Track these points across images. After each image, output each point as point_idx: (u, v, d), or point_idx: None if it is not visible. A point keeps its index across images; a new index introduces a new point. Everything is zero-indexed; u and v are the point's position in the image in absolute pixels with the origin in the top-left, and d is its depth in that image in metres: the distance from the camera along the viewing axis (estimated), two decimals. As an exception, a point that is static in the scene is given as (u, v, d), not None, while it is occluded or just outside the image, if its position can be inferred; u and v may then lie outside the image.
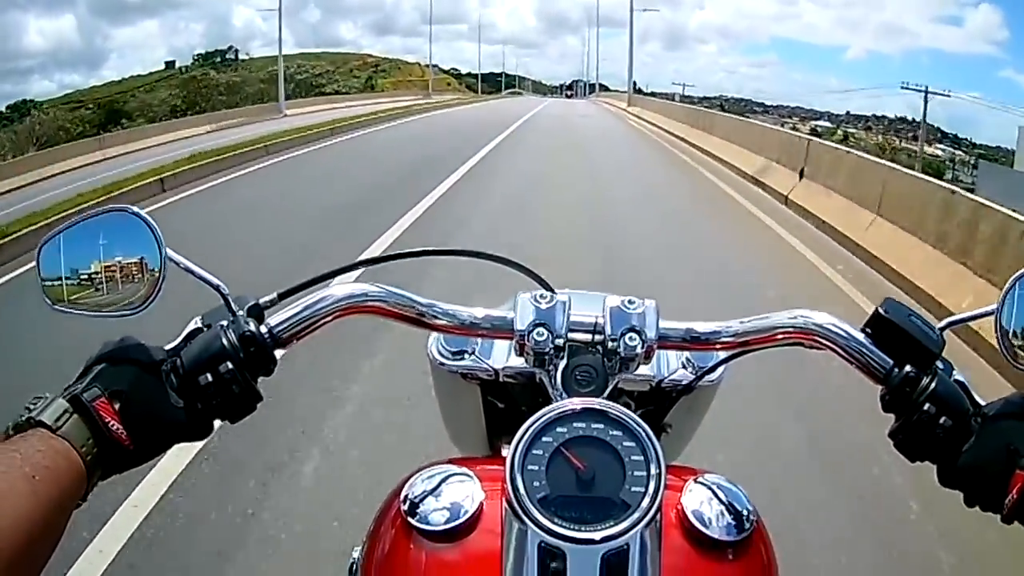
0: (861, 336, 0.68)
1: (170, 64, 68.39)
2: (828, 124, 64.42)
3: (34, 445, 0.53)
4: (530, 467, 0.60)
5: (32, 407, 0.57)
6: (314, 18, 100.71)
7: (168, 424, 0.61)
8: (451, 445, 1.05)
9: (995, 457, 0.60)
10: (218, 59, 71.60)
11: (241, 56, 75.52)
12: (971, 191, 8.00)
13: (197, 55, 70.29)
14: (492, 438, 0.93)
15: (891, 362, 0.66)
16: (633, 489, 0.59)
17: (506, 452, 0.91)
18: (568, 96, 79.19)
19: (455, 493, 0.65)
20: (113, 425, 0.58)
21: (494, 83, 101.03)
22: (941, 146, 49.89)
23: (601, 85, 76.57)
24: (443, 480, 0.66)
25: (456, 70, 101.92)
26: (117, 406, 0.58)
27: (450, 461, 0.71)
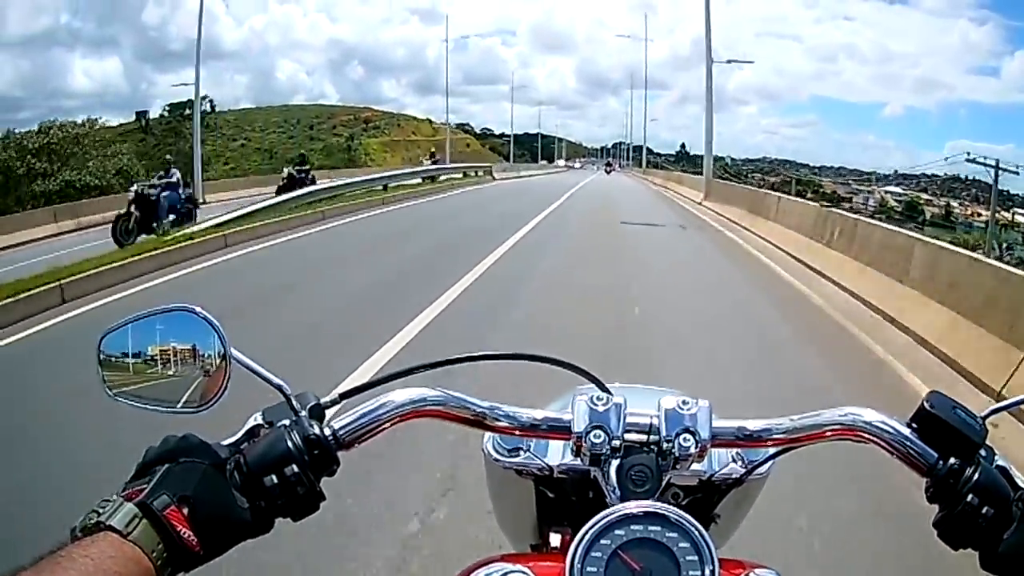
0: (907, 431, 0.72)
1: (141, 114, 65.67)
2: (897, 189, 64.17)
3: (105, 551, 0.56)
4: (589, 569, 0.65)
5: (100, 510, 0.60)
6: (356, 75, 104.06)
7: (234, 524, 0.64)
8: (498, 531, 1.11)
9: None
10: (187, 111, 68.56)
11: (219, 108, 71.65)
12: None
13: (168, 106, 66.30)
14: (542, 527, 0.97)
15: (935, 455, 0.71)
16: None
17: (554, 540, 0.93)
18: (608, 170, 72.94)
19: None
20: (184, 533, 0.60)
21: (529, 146, 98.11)
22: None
23: (648, 150, 73.68)
24: None
25: (488, 130, 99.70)
26: (186, 511, 0.61)
27: (504, 557, 0.74)
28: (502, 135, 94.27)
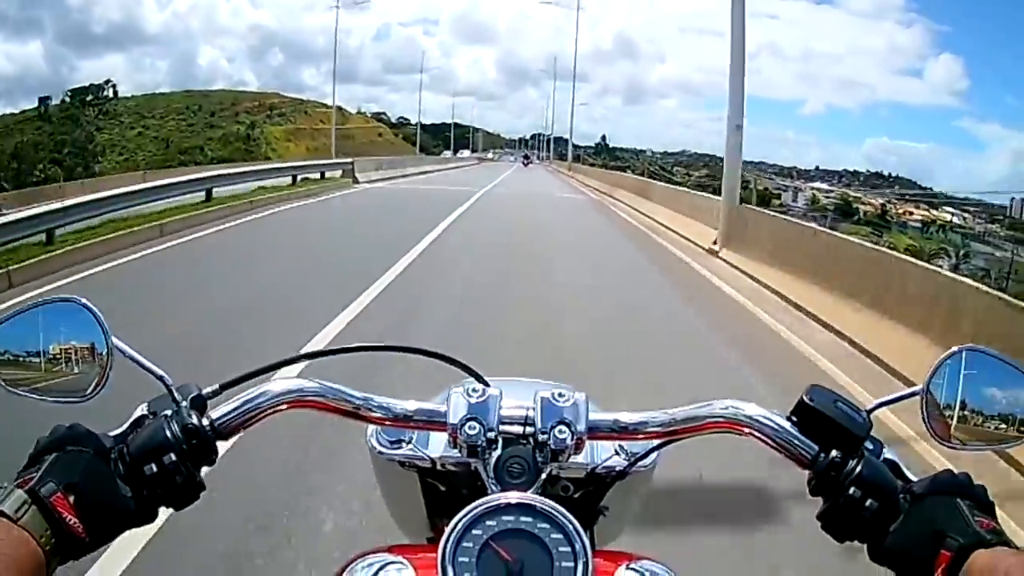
0: (787, 425, 0.74)
1: (44, 100, 61.56)
2: (823, 185, 65.79)
3: None
4: (461, 559, 0.66)
5: None
6: (277, 61, 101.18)
7: (119, 512, 0.67)
8: (393, 527, 1.11)
9: (921, 538, 0.65)
10: (89, 97, 64.10)
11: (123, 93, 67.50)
12: None
13: (69, 91, 63.25)
14: (434, 519, 0.98)
15: (816, 448, 0.72)
16: None
17: None
18: (525, 162, 70.53)
19: None
20: (70, 519, 0.63)
21: (444, 135, 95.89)
22: (950, 210, 50.44)
23: (576, 146, 69.25)
24: (380, 568, 0.70)
25: (405, 119, 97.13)
26: (72, 499, 0.64)
27: (389, 549, 0.75)
28: (419, 124, 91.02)
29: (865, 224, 47.70)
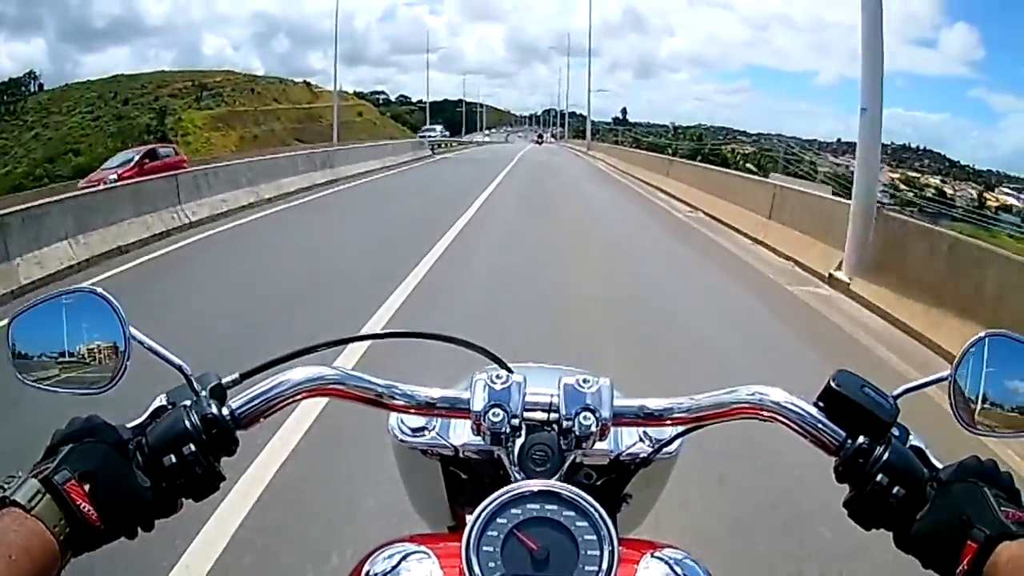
0: (814, 411, 0.74)
1: None
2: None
3: (9, 526, 0.60)
4: (485, 548, 0.66)
5: (6, 486, 0.63)
6: (282, 47, 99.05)
7: (136, 503, 0.67)
8: (415, 516, 1.11)
9: (948, 527, 0.65)
10: (4, 90, 56.45)
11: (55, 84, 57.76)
12: None
13: None
14: (455, 508, 0.99)
15: (843, 434, 0.72)
16: (587, 568, 0.65)
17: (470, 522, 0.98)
18: (539, 141, 65.10)
19: (415, 572, 0.70)
20: (84, 507, 0.63)
21: (450, 114, 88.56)
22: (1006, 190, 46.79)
23: (583, 117, 60.40)
24: (403, 558, 0.71)
25: (405, 98, 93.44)
26: (87, 487, 0.64)
27: (411, 538, 0.76)
28: (419, 103, 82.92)
29: (963, 220, 41.03)
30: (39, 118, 62.00)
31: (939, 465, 0.71)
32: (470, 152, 47.61)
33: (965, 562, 0.63)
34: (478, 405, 0.76)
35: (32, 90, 61.15)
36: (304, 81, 76.36)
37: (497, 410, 0.76)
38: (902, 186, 54.97)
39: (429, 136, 49.34)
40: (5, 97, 59.43)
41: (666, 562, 0.71)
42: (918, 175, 57.96)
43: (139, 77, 67.63)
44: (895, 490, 0.68)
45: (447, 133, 63.02)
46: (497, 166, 28.03)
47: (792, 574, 2.70)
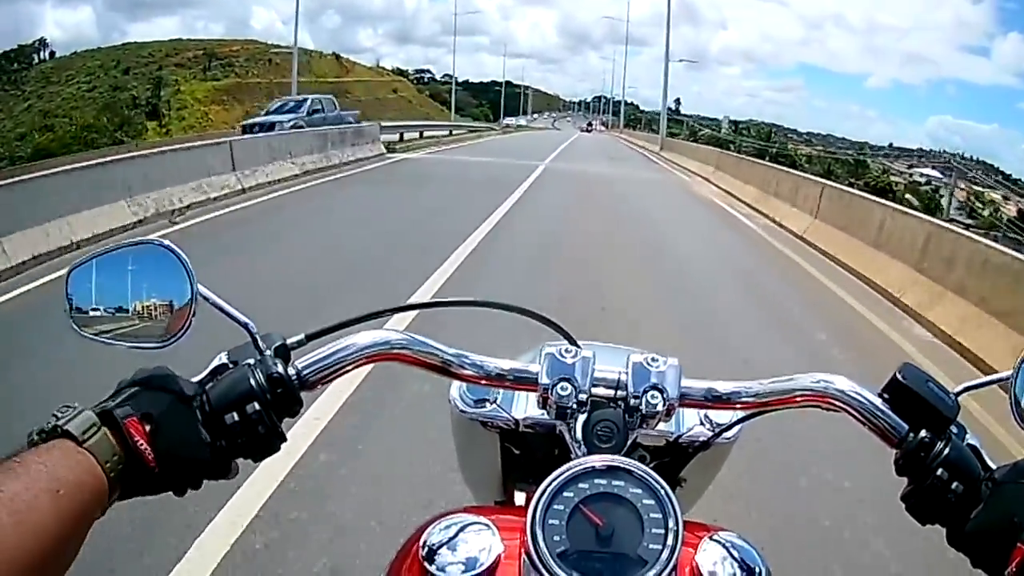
0: (878, 401, 0.74)
1: None
2: (935, 173, 56.09)
3: (59, 459, 0.58)
4: (551, 521, 0.66)
5: (60, 415, 0.61)
6: (332, 23, 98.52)
7: (195, 460, 0.66)
8: (463, 487, 1.12)
9: (1000, 527, 0.65)
10: (14, 58, 53.65)
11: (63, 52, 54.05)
12: None
13: None
14: (505, 482, 0.99)
15: (906, 427, 0.72)
16: (651, 546, 0.65)
17: (519, 498, 0.96)
18: (588, 129, 64.16)
19: (473, 543, 0.70)
20: (141, 444, 0.62)
21: (492, 97, 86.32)
22: None
23: (635, 107, 59.90)
24: (461, 529, 0.71)
25: (448, 76, 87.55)
26: (148, 428, 0.63)
27: (467, 509, 0.76)
28: (465, 83, 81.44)
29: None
30: (37, 88, 58.37)
31: (993, 465, 0.72)
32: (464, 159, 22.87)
33: (1013, 564, 0.64)
34: (547, 379, 0.76)
35: (43, 58, 58.63)
36: (333, 54, 71.83)
37: (565, 384, 0.76)
38: (977, 204, 51.27)
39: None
40: (16, 65, 57.04)
41: (723, 545, 0.72)
42: (982, 190, 55.02)
43: (148, 45, 63.62)
44: (953, 486, 0.69)
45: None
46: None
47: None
